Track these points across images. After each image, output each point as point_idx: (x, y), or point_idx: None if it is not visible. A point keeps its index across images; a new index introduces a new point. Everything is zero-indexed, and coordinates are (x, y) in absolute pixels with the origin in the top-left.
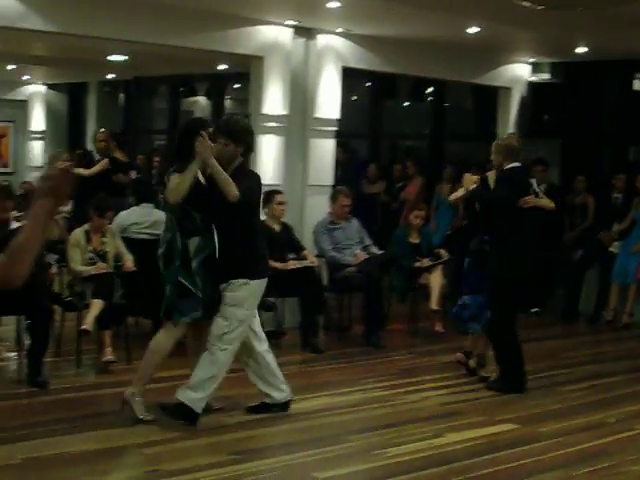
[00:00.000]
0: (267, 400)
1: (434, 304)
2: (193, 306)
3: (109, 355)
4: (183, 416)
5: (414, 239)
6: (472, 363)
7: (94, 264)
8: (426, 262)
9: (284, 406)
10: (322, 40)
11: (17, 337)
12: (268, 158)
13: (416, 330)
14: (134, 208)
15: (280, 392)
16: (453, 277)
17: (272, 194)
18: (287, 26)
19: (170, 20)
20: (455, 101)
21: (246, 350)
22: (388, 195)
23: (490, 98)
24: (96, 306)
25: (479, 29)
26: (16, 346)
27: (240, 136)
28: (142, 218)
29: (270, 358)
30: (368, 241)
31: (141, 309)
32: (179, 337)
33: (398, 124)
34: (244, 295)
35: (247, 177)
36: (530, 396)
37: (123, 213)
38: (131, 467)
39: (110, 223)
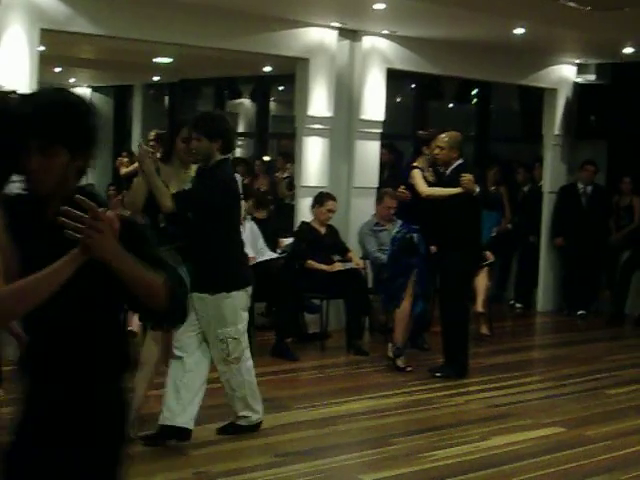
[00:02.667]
0: (239, 422)
1: (480, 306)
2: None
3: None
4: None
5: None
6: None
7: None
8: None
9: (254, 427)
10: (367, 42)
11: None
12: (313, 160)
13: None
14: None
15: (255, 413)
16: (498, 279)
17: (325, 198)
18: (332, 28)
19: (215, 22)
20: (500, 103)
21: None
22: None
23: (536, 99)
24: None
25: (524, 30)
26: None
27: (214, 132)
28: None
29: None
30: None
31: None
32: (163, 342)
33: (443, 126)
34: (227, 312)
35: (214, 179)
36: (576, 399)
37: None
38: (178, 469)
39: None
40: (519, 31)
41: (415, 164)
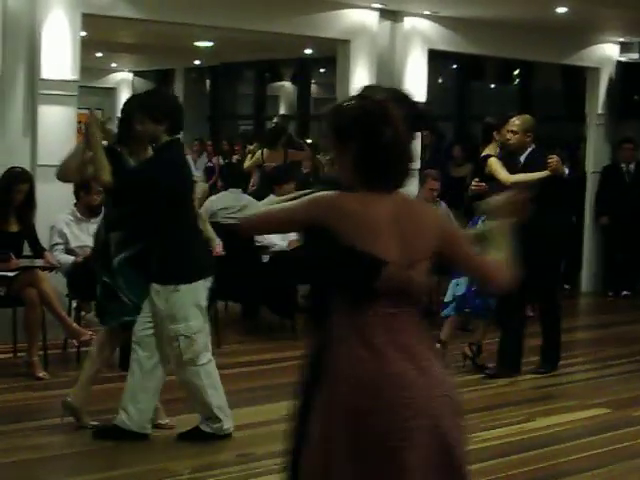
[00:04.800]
0: (203, 427)
1: None
2: (121, 310)
3: None
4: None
5: None
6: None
7: None
8: None
9: (222, 436)
10: (408, 23)
11: None
12: None
13: None
14: (223, 193)
15: (219, 422)
16: None
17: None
18: (373, 9)
19: (256, 5)
20: (543, 82)
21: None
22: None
23: (578, 79)
24: None
25: (567, 9)
26: None
27: (157, 114)
28: (231, 203)
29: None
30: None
31: (230, 293)
32: (116, 342)
33: (485, 106)
34: (177, 306)
35: (159, 161)
36: (622, 380)
37: (212, 198)
38: (220, 451)
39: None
40: (561, 10)
41: (487, 152)
